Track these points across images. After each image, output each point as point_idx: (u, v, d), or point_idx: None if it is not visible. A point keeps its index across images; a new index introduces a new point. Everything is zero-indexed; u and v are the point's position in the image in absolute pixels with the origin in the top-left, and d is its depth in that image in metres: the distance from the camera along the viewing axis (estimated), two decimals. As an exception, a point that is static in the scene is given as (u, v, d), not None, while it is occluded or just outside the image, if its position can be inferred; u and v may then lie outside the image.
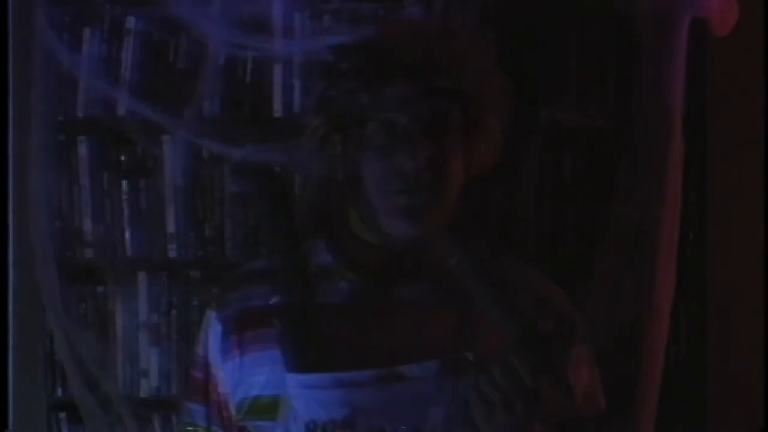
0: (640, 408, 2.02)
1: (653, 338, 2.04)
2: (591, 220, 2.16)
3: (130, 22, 2.18)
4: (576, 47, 2.18)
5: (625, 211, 2.10)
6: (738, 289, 2.16)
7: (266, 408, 1.67)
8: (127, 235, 2.19)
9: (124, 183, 2.19)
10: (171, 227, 2.19)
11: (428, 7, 2.12)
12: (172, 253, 2.19)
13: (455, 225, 1.66)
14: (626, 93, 2.16)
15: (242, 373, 1.69)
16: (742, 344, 2.16)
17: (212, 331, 1.73)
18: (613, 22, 2.17)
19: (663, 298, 2.05)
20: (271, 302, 1.69)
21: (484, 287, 1.58)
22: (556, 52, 2.17)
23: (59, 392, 2.20)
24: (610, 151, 2.17)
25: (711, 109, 2.16)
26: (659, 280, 2.04)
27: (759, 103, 2.16)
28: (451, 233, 1.63)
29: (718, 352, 2.16)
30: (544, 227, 2.18)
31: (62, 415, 2.20)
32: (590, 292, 2.08)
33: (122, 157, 2.20)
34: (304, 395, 1.63)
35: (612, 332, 2.07)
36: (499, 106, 1.72)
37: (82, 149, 2.20)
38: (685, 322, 2.17)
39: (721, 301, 2.16)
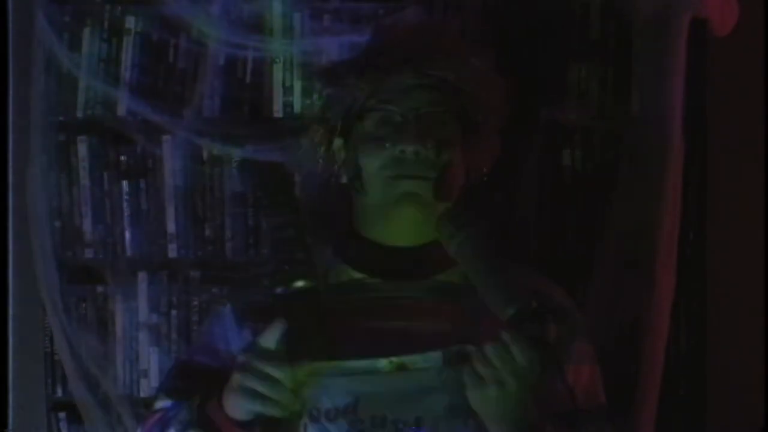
0: (640, 408, 2.03)
1: (653, 338, 2.05)
2: (591, 220, 2.16)
3: (130, 22, 2.18)
4: (576, 47, 2.18)
5: (625, 212, 2.11)
6: (738, 289, 2.16)
7: None
8: (127, 235, 2.19)
9: (124, 183, 2.19)
10: (171, 227, 2.19)
11: (428, 7, 2.12)
12: (172, 253, 2.19)
13: (457, 210, 1.67)
14: (626, 93, 2.16)
15: None
16: (742, 344, 2.16)
17: (224, 322, 1.73)
18: (613, 21, 2.17)
19: (663, 298, 2.05)
20: (277, 293, 1.69)
21: (483, 269, 1.60)
22: (556, 52, 2.17)
23: (59, 392, 2.20)
24: (610, 151, 2.17)
25: (711, 109, 2.16)
26: (659, 280, 2.05)
27: (759, 103, 2.16)
28: (453, 217, 1.65)
29: (718, 352, 2.16)
30: (544, 227, 2.18)
31: (62, 415, 2.20)
32: (590, 292, 2.08)
33: (122, 157, 2.20)
34: (308, 383, 1.64)
35: (612, 332, 2.07)
36: (496, 103, 1.73)
37: (82, 149, 2.19)
38: (685, 322, 2.17)
39: (721, 301, 2.16)
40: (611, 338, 2.06)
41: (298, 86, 2.18)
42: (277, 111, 2.19)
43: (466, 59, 1.72)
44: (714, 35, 2.05)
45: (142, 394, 2.19)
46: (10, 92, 2.17)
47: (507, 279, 1.58)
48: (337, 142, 1.74)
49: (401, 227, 1.70)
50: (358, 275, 1.72)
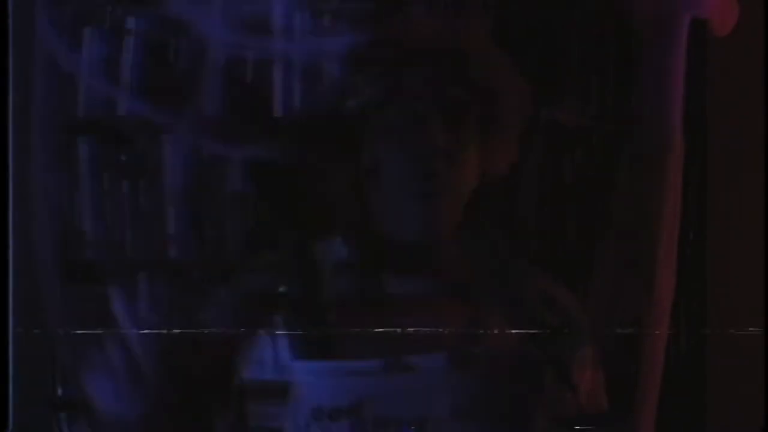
0: (640, 408, 2.03)
1: (653, 338, 2.04)
2: (591, 220, 2.16)
3: (130, 22, 2.18)
4: (576, 47, 2.18)
5: (625, 212, 2.10)
6: (738, 289, 2.16)
7: (274, 392, 1.68)
8: (127, 235, 2.19)
9: (124, 183, 2.19)
10: (171, 227, 2.19)
11: (428, 6, 2.12)
12: (172, 253, 2.19)
13: (471, 220, 1.68)
14: (626, 93, 2.16)
15: (253, 353, 1.69)
16: (742, 344, 2.16)
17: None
18: (613, 21, 2.17)
19: (663, 298, 2.05)
20: (281, 290, 1.70)
21: (497, 281, 1.60)
22: (556, 52, 2.17)
23: (59, 392, 2.20)
24: (610, 151, 2.17)
25: (711, 109, 2.16)
26: (659, 280, 2.05)
27: (759, 103, 2.16)
28: (468, 225, 1.65)
29: (718, 352, 2.16)
30: (544, 227, 2.18)
31: (62, 415, 2.20)
32: (590, 292, 2.08)
33: (122, 157, 2.20)
34: (311, 382, 1.64)
35: (612, 332, 2.07)
36: (518, 106, 1.73)
37: (82, 149, 2.20)
38: (685, 322, 2.17)
39: (721, 301, 2.16)
40: (611, 338, 2.06)
41: (298, 86, 2.18)
42: (277, 111, 2.19)
43: (494, 62, 1.71)
44: (714, 35, 2.04)
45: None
46: (10, 92, 2.17)
47: (522, 291, 1.58)
48: (357, 130, 1.73)
49: (413, 225, 1.70)
50: (366, 269, 1.72)
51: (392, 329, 1.64)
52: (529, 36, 2.17)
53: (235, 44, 2.14)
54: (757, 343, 2.17)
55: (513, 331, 1.55)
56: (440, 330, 1.64)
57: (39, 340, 2.20)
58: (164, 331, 2.21)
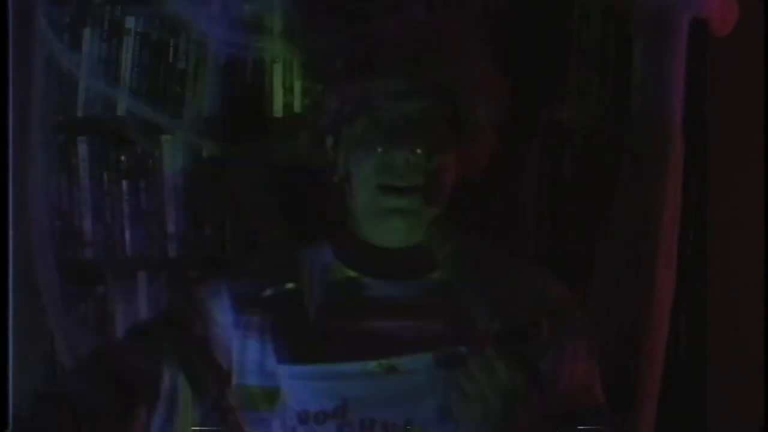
0: (640, 408, 2.03)
1: (653, 338, 2.05)
2: (591, 220, 2.16)
3: (130, 22, 2.18)
4: (576, 47, 2.18)
5: (625, 211, 2.11)
6: (738, 289, 2.16)
7: (263, 398, 1.68)
8: (127, 235, 2.19)
9: (124, 183, 2.19)
10: (171, 227, 2.19)
11: (429, 7, 2.12)
12: (172, 253, 2.19)
13: (445, 219, 1.67)
14: (626, 93, 2.16)
15: (243, 357, 1.69)
16: (742, 344, 2.16)
17: (222, 301, 1.72)
18: (613, 22, 2.17)
19: (663, 298, 2.05)
20: (265, 294, 1.69)
21: (470, 281, 1.60)
22: (556, 52, 2.17)
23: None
24: (610, 151, 2.17)
25: (711, 109, 2.16)
26: (659, 280, 2.05)
27: (759, 103, 2.16)
28: (442, 227, 1.65)
29: (718, 352, 2.16)
30: (544, 227, 2.18)
31: (62, 414, 2.19)
32: (590, 292, 2.08)
33: (122, 157, 2.20)
34: (296, 386, 1.64)
35: (612, 332, 2.07)
36: (490, 104, 1.72)
37: (82, 149, 2.20)
38: (685, 322, 2.17)
39: (721, 301, 2.16)
40: (611, 338, 2.06)
41: (298, 86, 2.18)
42: (277, 111, 2.19)
43: (462, 60, 1.70)
44: (714, 35, 2.05)
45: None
46: (10, 92, 2.17)
47: (492, 293, 1.57)
48: (329, 140, 1.74)
49: (390, 235, 1.70)
50: (352, 273, 1.72)
51: (377, 332, 1.63)
52: (528, 36, 2.17)
53: (235, 44, 2.14)
54: (757, 343, 2.17)
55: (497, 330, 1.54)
56: (426, 330, 1.63)
57: (39, 340, 2.20)
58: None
